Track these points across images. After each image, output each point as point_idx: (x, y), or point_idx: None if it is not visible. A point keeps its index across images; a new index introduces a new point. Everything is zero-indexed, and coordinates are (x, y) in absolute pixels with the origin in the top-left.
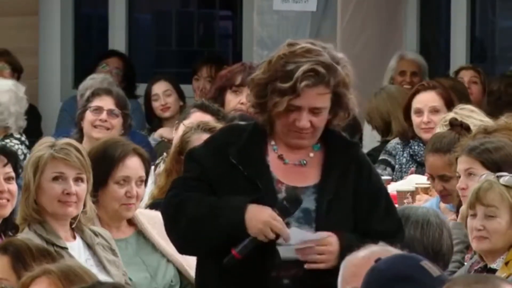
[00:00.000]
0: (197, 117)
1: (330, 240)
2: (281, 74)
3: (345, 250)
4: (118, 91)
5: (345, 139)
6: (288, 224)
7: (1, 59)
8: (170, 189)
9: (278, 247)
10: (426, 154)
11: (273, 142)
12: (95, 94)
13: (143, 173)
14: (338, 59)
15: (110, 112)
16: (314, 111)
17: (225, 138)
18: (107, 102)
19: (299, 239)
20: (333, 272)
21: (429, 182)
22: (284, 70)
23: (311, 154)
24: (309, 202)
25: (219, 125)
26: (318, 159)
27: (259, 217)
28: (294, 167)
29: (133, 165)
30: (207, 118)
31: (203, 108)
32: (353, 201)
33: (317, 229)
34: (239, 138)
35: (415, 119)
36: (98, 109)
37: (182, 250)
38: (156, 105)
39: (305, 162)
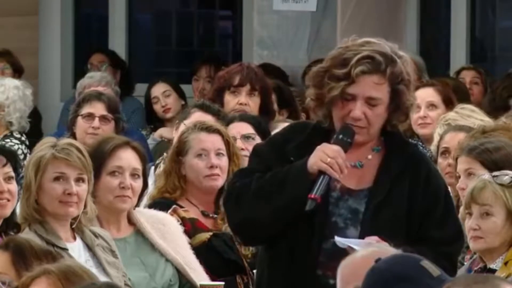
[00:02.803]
0: (197, 116)
1: None
2: (338, 62)
3: None
4: (109, 95)
5: (404, 140)
6: (336, 224)
7: (3, 59)
8: (230, 179)
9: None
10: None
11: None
12: (86, 100)
13: (137, 166)
14: (400, 54)
15: (102, 118)
16: (369, 102)
17: (287, 135)
18: (98, 108)
19: (348, 242)
20: None
21: None
22: (341, 58)
23: (370, 156)
24: (360, 204)
25: (217, 124)
26: (376, 161)
27: (315, 151)
28: (350, 169)
29: (125, 156)
30: (207, 118)
31: (203, 108)
32: (407, 204)
33: (362, 231)
34: (300, 135)
35: (412, 115)
36: (90, 116)
37: (247, 225)
38: (157, 107)
39: (361, 164)
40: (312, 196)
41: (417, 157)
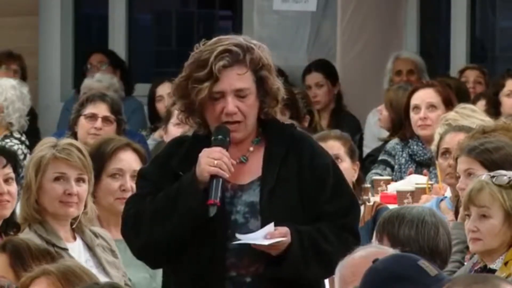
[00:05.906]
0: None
1: (286, 231)
2: (197, 65)
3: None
4: (113, 96)
5: (280, 124)
6: (236, 221)
7: (14, 61)
8: (124, 207)
9: (237, 239)
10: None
11: None
12: (89, 100)
13: (138, 168)
14: (254, 43)
15: (105, 119)
16: (239, 94)
17: (168, 151)
18: (101, 109)
19: (248, 238)
20: (293, 266)
21: (429, 182)
22: (199, 61)
23: (251, 149)
24: (254, 196)
25: None
26: (259, 151)
27: (199, 159)
28: (236, 166)
29: (126, 158)
30: None
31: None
32: (297, 184)
33: (262, 220)
34: (181, 148)
35: (413, 116)
36: (93, 116)
37: (150, 249)
38: (160, 106)
39: (245, 158)
40: (212, 201)
41: (297, 137)
